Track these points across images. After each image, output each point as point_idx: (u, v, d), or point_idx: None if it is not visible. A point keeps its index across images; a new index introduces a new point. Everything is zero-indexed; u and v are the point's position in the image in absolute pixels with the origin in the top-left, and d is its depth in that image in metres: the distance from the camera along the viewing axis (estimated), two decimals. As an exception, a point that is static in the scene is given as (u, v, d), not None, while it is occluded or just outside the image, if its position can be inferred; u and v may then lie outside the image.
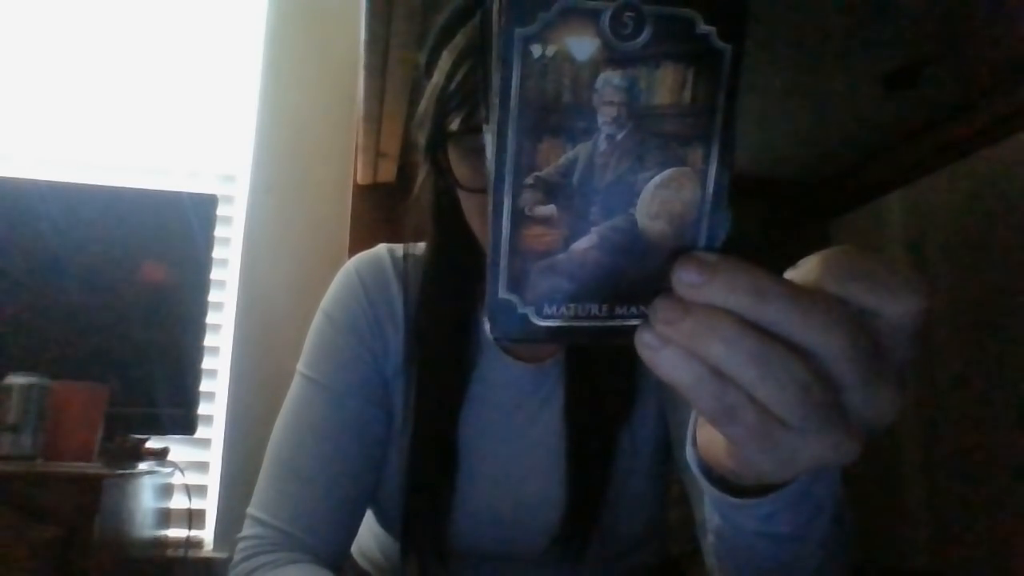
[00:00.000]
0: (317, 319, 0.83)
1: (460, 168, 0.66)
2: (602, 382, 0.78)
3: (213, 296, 1.57)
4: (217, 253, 1.60)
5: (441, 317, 0.78)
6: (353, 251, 0.87)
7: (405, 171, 1.47)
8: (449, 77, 0.66)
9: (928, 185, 1.40)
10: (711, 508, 0.46)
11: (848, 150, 1.44)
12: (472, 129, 0.64)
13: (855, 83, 1.17)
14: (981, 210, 1.29)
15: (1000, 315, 1.22)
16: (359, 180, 1.58)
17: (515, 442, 0.79)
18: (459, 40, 0.66)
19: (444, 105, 0.66)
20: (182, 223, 1.50)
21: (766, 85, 1.17)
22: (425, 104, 0.70)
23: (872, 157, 1.44)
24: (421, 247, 0.82)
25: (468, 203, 0.68)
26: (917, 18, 0.99)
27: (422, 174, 0.77)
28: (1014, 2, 0.95)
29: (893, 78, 1.14)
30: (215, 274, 1.59)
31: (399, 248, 0.84)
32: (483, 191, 0.64)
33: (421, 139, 0.71)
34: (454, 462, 0.78)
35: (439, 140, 0.66)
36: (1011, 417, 1.19)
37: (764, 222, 1.59)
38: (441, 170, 0.67)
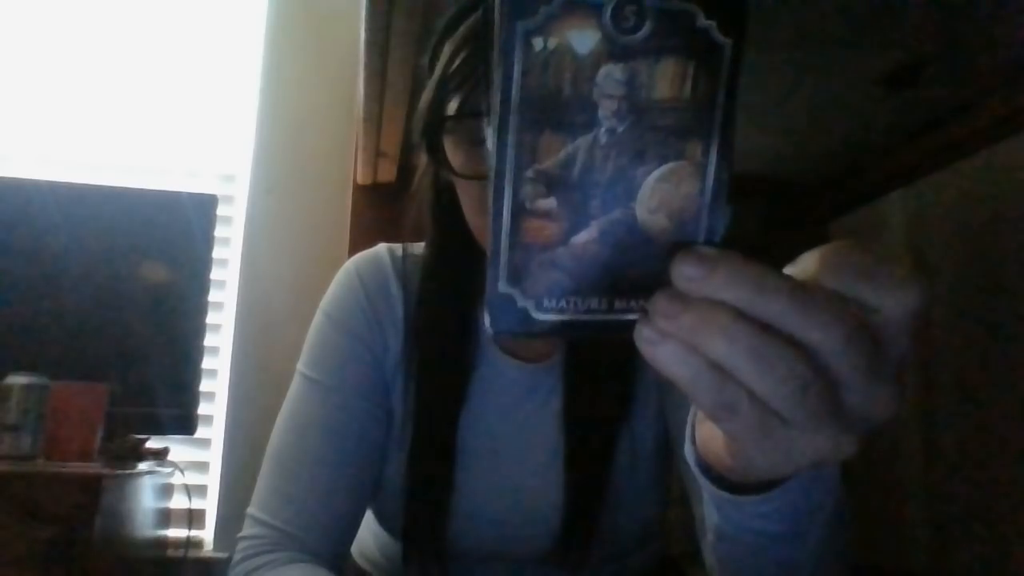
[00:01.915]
0: (317, 319, 0.83)
1: (455, 156, 0.66)
2: (601, 382, 0.78)
3: (213, 296, 1.57)
4: (217, 253, 1.60)
5: (440, 317, 0.79)
6: (353, 251, 0.87)
7: (405, 171, 1.47)
8: (448, 63, 0.66)
9: (928, 185, 1.40)
10: (710, 506, 0.46)
11: (848, 150, 1.44)
12: (468, 114, 0.65)
13: (855, 83, 1.16)
14: (981, 210, 1.29)
15: (1000, 315, 1.22)
16: (359, 180, 1.58)
17: (515, 442, 0.79)
18: (460, 32, 0.67)
19: (442, 89, 0.67)
20: (182, 223, 1.50)
21: (765, 85, 1.17)
22: (426, 95, 0.71)
23: (872, 157, 1.44)
24: (420, 247, 0.82)
25: (464, 194, 0.69)
26: (917, 18, 0.99)
27: (421, 166, 0.78)
28: (1014, 2, 0.95)
29: (893, 78, 1.13)
30: (215, 274, 1.59)
31: (399, 248, 0.85)
32: (477, 178, 0.65)
33: (420, 128, 0.72)
34: (453, 462, 0.78)
35: (436, 124, 0.67)
36: (1011, 417, 1.19)
37: (764, 222, 1.59)
38: (437, 156, 0.67)
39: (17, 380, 1.16)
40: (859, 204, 1.56)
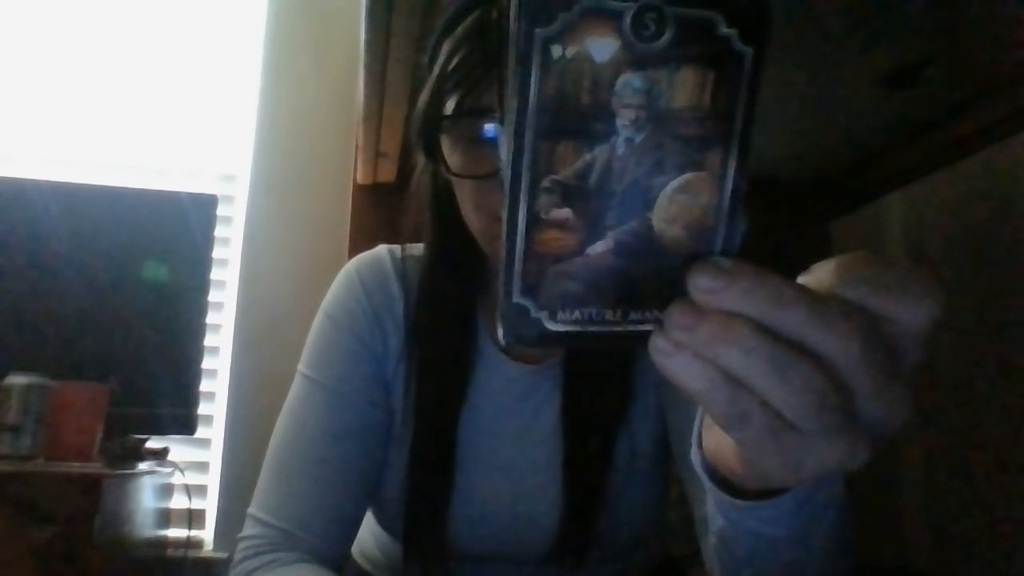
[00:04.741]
0: (318, 319, 0.83)
1: (453, 155, 0.66)
2: (599, 384, 0.78)
3: (213, 296, 1.57)
4: (217, 253, 1.60)
5: (440, 317, 0.78)
6: (353, 251, 0.87)
7: (405, 171, 1.46)
8: (446, 63, 0.66)
9: (928, 185, 1.40)
10: (714, 510, 0.46)
11: (848, 150, 1.44)
12: (465, 113, 0.64)
13: (855, 83, 1.16)
14: (981, 210, 1.29)
15: (1000, 315, 1.22)
16: (359, 180, 1.58)
17: (514, 443, 0.79)
18: (458, 31, 0.67)
19: (440, 88, 0.67)
20: (182, 223, 1.49)
21: (765, 85, 1.17)
22: (423, 94, 0.71)
23: (872, 157, 1.44)
24: (420, 247, 0.82)
25: (462, 193, 0.69)
26: (917, 18, 0.99)
27: (420, 165, 0.78)
28: (1014, 2, 0.95)
29: (893, 78, 1.13)
30: (215, 274, 1.59)
31: (398, 248, 0.85)
32: (474, 177, 0.65)
33: (417, 127, 0.72)
34: (453, 462, 0.78)
35: (433, 123, 0.67)
36: (1011, 417, 1.19)
37: (764, 223, 1.59)
38: (434, 155, 0.67)
39: (17, 380, 1.15)
40: (859, 204, 1.56)
